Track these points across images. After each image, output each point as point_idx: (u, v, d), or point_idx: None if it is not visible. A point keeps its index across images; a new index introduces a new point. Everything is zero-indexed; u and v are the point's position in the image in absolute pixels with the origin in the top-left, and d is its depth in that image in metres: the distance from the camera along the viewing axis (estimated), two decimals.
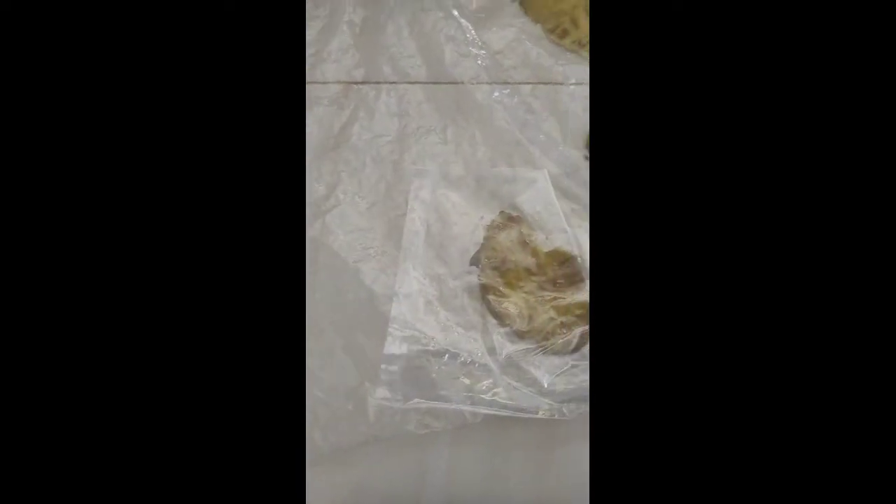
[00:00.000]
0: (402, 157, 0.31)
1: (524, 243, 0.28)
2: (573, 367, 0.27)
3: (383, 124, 0.32)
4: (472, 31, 0.31)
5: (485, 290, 0.28)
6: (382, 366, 0.27)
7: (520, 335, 0.27)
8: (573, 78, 0.30)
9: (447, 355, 0.28)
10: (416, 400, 0.27)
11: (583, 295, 0.27)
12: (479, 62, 0.31)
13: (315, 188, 0.31)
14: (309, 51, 0.33)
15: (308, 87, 0.33)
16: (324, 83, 0.33)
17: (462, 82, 0.31)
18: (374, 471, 0.28)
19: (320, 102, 0.32)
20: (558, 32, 0.30)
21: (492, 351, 0.27)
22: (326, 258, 0.30)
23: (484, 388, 0.27)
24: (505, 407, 0.26)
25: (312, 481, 0.28)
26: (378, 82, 0.32)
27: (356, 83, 0.33)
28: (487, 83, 0.31)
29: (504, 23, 0.31)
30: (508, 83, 0.30)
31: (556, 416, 0.25)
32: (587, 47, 0.30)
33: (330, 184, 0.31)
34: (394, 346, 0.28)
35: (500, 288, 0.28)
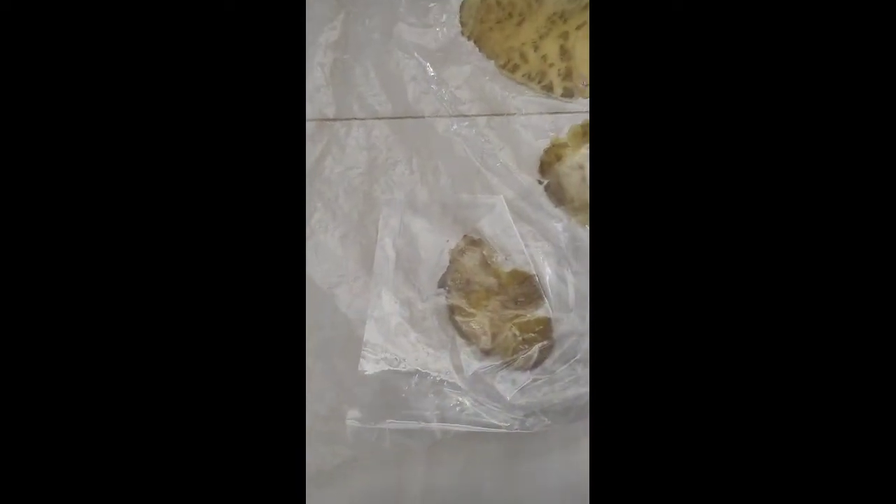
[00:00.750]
0: (372, 187, 0.32)
1: (486, 265, 0.29)
2: (534, 381, 0.27)
3: (354, 157, 0.33)
4: (432, 70, 0.33)
5: (452, 310, 0.29)
6: (356, 388, 0.28)
7: (485, 353, 0.28)
8: (524, 109, 0.31)
9: (417, 375, 0.28)
10: (388, 420, 0.28)
11: (542, 312, 0.28)
12: (439, 98, 0.33)
13: None
14: None
15: None
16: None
17: (424, 116, 0.33)
18: (353, 491, 0.29)
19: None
20: (510, 67, 0.32)
21: (459, 369, 0.28)
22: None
23: (452, 405, 0.28)
24: (472, 423, 0.27)
25: None
26: (348, 119, 0.34)
27: (328, 120, 0.34)
28: (447, 116, 0.32)
29: (461, 60, 0.33)
30: (466, 116, 0.32)
31: (520, 430, 0.26)
32: (535, 80, 0.32)
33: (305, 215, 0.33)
34: (367, 369, 0.29)
35: (466, 308, 0.29)
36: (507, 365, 0.28)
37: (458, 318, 0.29)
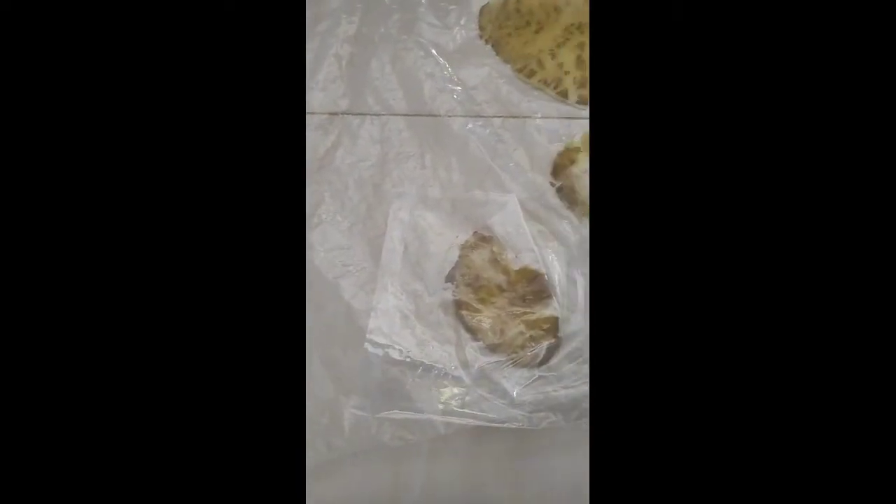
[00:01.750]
0: (383, 180, 0.32)
1: (496, 262, 0.30)
2: (539, 378, 0.27)
3: (365, 150, 0.33)
4: (449, 69, 0.33)
5: (458, 305, 0.29)
6: (356, 379, 0.28)
7: (492, 349, 0.28)
8: (539, 112, 0.32)
9: (421, 368, 0.28)
10: (391, 411, 0.27)
11: (549, 310, 0.28)
12: (455, 97, 0.33)
13: None
14: None
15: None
16: (310, 113, 0.34)
17: (440, 115, 0.33)
18: (350, 486, 0.28)
19: (307, 127, 0.34)
20: (526, 72, 0.33)
21: (465, 364, 0.28)
22: (307, 274, 0.31)
23: (456, 399, 0.27)
24: (476, 418, 0.27)
25: None
26: (362, 114, 0.34)
27: (340, 113, 0.34)
28: (462, 116, 0.33)
29: (478, 62, 0.34)
30: (481, 116, 0.32)
31: (526, 426, 0.26)
32: (551, 86, 0.32)
33: (313, 204, 0.32)
34: (370, 358, 0.28)
35: (474, 304, 0.29)
36: (514, 361, 0.28)
37: (465, 313, 0.29)
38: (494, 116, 0.32)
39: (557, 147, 0.31)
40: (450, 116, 0.33)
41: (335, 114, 0.34)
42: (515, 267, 0.29)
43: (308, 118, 0.34)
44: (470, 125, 0.32)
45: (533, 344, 0.28)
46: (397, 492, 0.27)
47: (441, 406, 0.27)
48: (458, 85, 0.33)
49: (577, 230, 0.30)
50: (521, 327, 0.28)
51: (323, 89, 0.35)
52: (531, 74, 0.33)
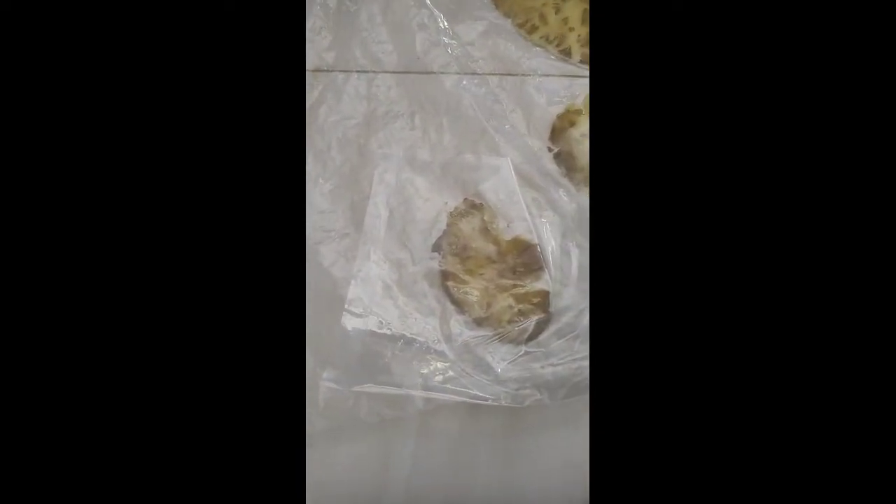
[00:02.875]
0: (369, 140, 0.30)
1: (486, 231, 0.28)
2: (526, 354, 0.26)
3: (351, 107, 0.31)
4: (444, 22, 0.31)
5: (445, 276, 0.28)
6: (334, 350, 0.26)
7: (478, 322, 0.27)
8: (539, 71, 0.30)
9: (402, 341, 0.27)
10: (367, 384, 0.26)
11: (541, 284, 0.27)
12: (450, 52, 0.31)
13: None
14: None
15: None
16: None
17: (432, 71, 0.31)
18: (334, 465, 0.27)
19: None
20: (527, 28, 0.30)
21: (448, 338, 0.27)
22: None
23: (438, 374, 0.26)
24: (457, 394, 0.25)
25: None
26: (347, 70, 0.32)
27: (324, 70, 0.32)
28: (456, 73, 0.30)
29: (475, 15, 0.31)
30: (477, 73, 0.30)
31: (505, 403, 0.25)
32: (553, 43, 0.30)
33: None
34: (348, 329, 0.27)
35: (461, 275, 0.27)
36: (500, 336, 0.26)
37: (451, 285, 0.27)
38: (491, 74, 0.30)
39: (557, 109, 0.29)
40: (443, 73, 0.30)
41: (321, 68, 0.32)
42: (507, 237, 0.28)
43: None
44: (464, 83, 0.30)
45: (521, 318, 0.26)
46: (385, 470, 0.26)
47: (422, 381, 0.26)
48: (453, 39, 0.31)
49: (573, 199, 0.28)
50: (510, 301, 0.27)
51: (309, 41, 0.32)
52: (532, 30, 0.30)
